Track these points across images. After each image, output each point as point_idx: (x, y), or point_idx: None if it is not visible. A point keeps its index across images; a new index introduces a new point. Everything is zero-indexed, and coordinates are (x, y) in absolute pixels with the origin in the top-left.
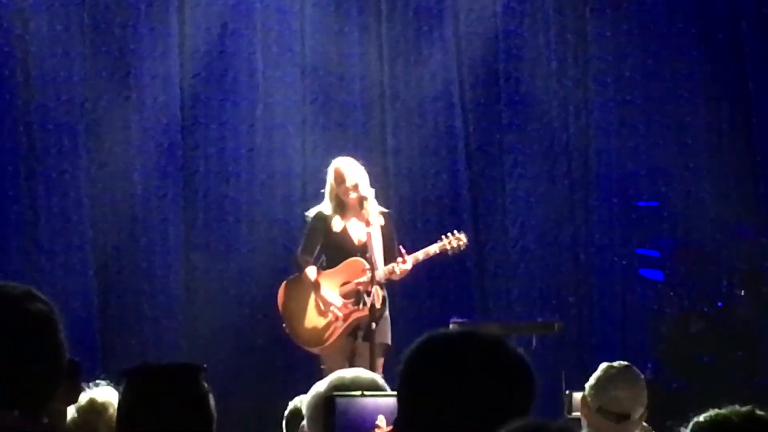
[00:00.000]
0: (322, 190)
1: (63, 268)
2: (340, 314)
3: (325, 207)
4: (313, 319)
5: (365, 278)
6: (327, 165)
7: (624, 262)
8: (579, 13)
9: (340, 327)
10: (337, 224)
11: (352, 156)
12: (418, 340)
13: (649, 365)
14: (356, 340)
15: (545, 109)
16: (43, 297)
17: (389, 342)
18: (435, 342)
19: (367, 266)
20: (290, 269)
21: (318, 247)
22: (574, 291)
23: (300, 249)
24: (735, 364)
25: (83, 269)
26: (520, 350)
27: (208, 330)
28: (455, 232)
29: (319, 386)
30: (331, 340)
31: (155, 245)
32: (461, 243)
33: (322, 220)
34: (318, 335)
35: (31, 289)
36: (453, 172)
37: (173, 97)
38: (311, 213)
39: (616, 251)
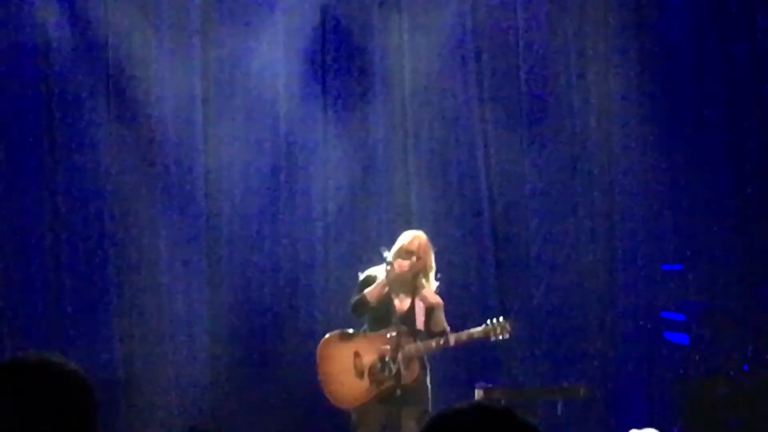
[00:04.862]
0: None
1: (88, 335)
2: (394, 333)
3: (379, 271)
4: (348, 380)
5: (394, 346)
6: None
7: (649, 326)
8: (602, 74)
9: (373, 391)
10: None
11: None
12: (430, 417)
13: (676, 430)
14: (390, 406)
15: (568, 175)
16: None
17: (428, 409)
18: (445, 419)
19: (394, 334)
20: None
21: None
22: (600, 355)
23: (353, 298)
24: (762, 428)
25: (108, 334)
26: (532, 420)
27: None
28: (501, 319)
29: None
30: (361, 402)
31: (180, 312)
32: (506, 334)
33: (366, 303)
34: (351, 396)
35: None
36: (477, 236)
37: (197, 162)
38: (363, 274)
39: (642, 315)
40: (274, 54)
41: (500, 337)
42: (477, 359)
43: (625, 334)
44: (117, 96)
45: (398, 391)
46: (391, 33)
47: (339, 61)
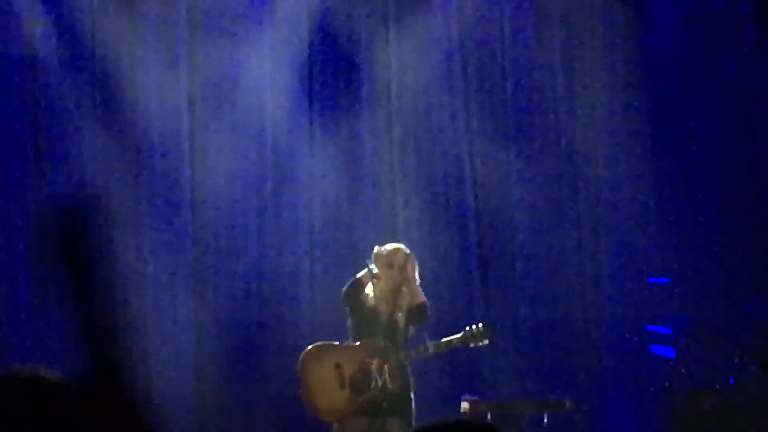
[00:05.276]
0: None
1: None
2: (380, 345)
3: (365, 277)
4: (328, 391)
5: (378, 358)
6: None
7: (635, 339)
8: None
9: (354, 402)
10: (369, 298)
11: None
12: (413, 429)
13: None
14: (371, 419)
15: (554, 188)
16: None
17: (412, 421)
18: None
19: (380, 346)
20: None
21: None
22: (586, 368)
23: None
24: None
25: None
26: None
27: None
28: (480, 326)
29: None
30: (342, 413)
31: (165, 323)
32: (485, 341)
33: (361, 286)
34: (331, 408)
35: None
36: (463, 248)
37: (183, 174)
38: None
39: (628, 328)
40: (261, 66)
41: (479, 344)
42: (463, 371)
43: (611, 347)
44: (103, 107)
45: (384, 403)
46: (378, 45)
47: (326, 73)
